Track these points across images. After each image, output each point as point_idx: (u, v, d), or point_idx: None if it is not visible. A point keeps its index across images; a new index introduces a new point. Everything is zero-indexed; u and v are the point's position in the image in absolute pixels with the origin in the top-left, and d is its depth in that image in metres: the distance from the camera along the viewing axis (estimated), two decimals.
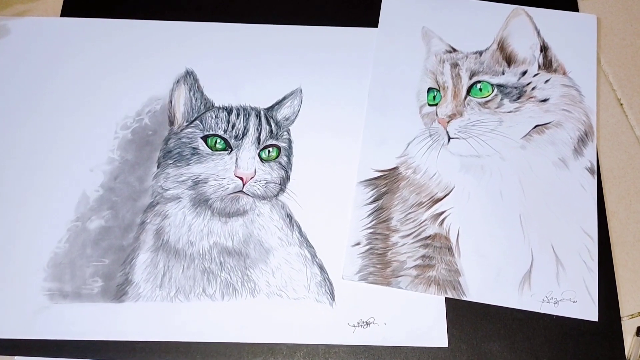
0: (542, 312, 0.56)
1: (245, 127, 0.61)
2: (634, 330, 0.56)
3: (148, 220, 0.59)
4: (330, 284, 0.57)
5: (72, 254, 0.58)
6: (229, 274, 0.57)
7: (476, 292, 0.57)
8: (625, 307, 0.57)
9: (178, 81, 0.65)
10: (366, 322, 0.56)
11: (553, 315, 0.56)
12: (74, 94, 0.65)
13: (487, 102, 0.63)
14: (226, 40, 0.68)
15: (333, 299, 0.57)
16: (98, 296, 0.56)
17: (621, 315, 0.56)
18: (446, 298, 0.57)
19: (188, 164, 0.60)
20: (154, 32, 0.68)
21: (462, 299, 0.56)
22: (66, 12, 0.69)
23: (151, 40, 0.68)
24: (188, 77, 0.65)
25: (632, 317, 0.57)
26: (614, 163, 0.63)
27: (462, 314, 0.56)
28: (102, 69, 0.66)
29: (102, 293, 0.56)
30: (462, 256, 0.58)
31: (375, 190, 0.61)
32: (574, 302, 0.56)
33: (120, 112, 0.64)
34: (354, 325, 0.55)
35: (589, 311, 0.56)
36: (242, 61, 0.67)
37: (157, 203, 0.60)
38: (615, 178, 0.63)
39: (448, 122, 0.62)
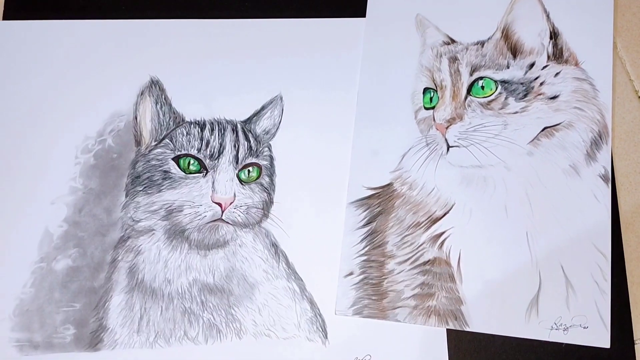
0: (551, 340, 0.52)
1: (221, 145, 0.55)
2: None
3: (119, 258, 0.54)
4: (322, 320, 0.53)
5: (39, 299, 0.53)
6: (212, 314, 0.53)
7: (479, 321, 0.52)
8: (638, 329, 0.53)
9: (142, 93, 0.58)
10: None
11: (562, 344, 0.52)
12: (24, 113, 0.58)
13: (490, 102, 0.56)
14: (194, 39, 0.60)
15: (326, 336, 0.52)
16: (71, 345, 0.52)
17: (634, 339, 0.53)
18: (447, 330, 0.53)
19: (160, 191, 0.54)
20: (111, 34, 0.60)
21: (465, 329, 0.52)
22: (9, 13, 0.61)
23: (108, 44, 0.60)
24: (153, 87, 0.58)
25: None
26: (630, 167, 0.57)
27: (464, 346, 0.53)
28: (55, 80, 0.59)
29: (75, 342, 0.52)
30: (464, 282, 0.53)
31: (367, 211, 0.55)
32: (584, 328, 0.52)
33: (79, 133, 0.57)
34: None
35: (601, 337, 0.52)
36: (213, 64, 0.59)
37: (129, 237, 0.54)
38: (631, 184, 0.57)
39: (447, 127, 0.56)
